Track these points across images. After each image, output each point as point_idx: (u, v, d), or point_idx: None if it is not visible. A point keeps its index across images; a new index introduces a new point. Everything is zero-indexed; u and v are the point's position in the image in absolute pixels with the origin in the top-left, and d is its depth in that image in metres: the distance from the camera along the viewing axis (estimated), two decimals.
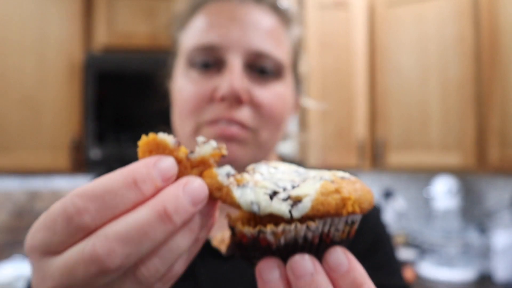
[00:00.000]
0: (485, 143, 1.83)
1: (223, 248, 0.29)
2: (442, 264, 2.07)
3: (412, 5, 1.98)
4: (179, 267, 0.25)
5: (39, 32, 1.75)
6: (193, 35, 0.57)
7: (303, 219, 0.25)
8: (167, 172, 0.24)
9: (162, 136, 0.24)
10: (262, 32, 0.55)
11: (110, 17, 1.80)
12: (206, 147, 0.26)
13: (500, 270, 1.92)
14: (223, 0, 0.57)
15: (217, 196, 0.25)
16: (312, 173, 0.27)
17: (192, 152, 0.25)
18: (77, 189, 0.24)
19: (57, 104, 1.75)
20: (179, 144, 0.25)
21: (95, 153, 1.68)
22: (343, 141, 2.02)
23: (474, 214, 2.31)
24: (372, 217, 0.61)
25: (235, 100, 0.52)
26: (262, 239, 0.25)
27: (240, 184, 0.25)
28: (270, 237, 0.25)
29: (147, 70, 1.71)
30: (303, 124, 1.98)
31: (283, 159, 0.70)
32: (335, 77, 2.02)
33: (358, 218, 0.27)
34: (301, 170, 0.28)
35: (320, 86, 1.99)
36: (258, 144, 0.55)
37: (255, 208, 0.25)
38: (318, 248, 0.25)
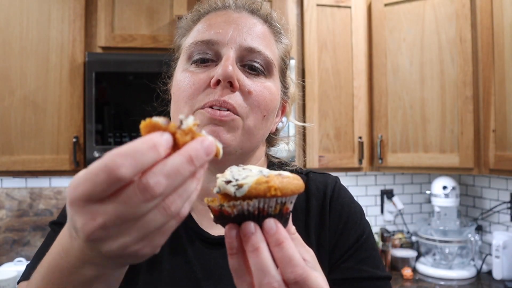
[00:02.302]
0: (483, 143, 1.84)
1: (212, 216, 0.41)
2: (441, 263, 2.08)
3: (410, 5, 1.99)
4: (186, 209, 0.35)
5: (40, 34, 1.76)
6: (193, 35, 0.64)
7: (245, 198, 0.38)
8: (169, 141, 0.34)
9: (156, 119, 0.35)
10: (254, 34, 0.62)
11: (111, 18, 1.81)
12: (189, 120, 0.36)
13: (498, 269, 1.94)
14: (222, 9, 0.65)
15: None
16: (267, 172, 0.41)
17: (180, 125, 0.35)
18: (112, 150, 0.32)
19: (59, 105, 1.76)
20: (168, 122, 0.35)
21: (96, 153, 1.69)
22: (342, 142, 2.03)
23: (472, 213, 2.33)
24: (356, 217, 0.67)
25: (228, 84, 0.58)
26: (224, 210, 0.39)
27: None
28: (228, 209, 0.39)
29: (148, 70, 1.72)
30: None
31: (271, 160, 0.75)
32: (334, 77, 2.03)
33: (287, 200, 0.40)
34: (264, 170, 0.41)
35: (320, 86, 2.01)
36: (245, 131, 0.60)
37: (217, 190, 0.39)
38: (258, 218, 0.39)
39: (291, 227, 0.42)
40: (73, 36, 1.78)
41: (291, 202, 0.41)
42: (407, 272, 2.03)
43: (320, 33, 2.01)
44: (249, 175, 0.39)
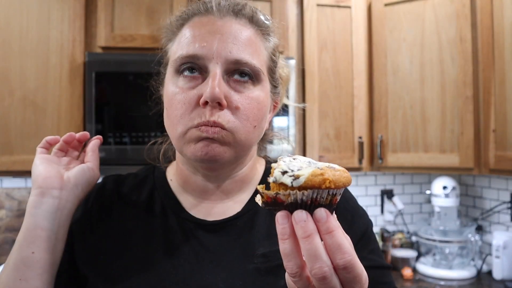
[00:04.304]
0: (483, 143, 1.84)
1: (260, 203, 0.44)
2: (441, 263, 2.08)
3: (410, 5, 1.99)
4: None
5: (40, 34, 1.76)
6: (180, 46, 0.64)
7: (300, 188, 0.41)
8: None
9: None
10: (240, 42, 0.63)
11: (111, 18, 1.81)
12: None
13: (498, 269, 1.94)
14: (206, 14, 0.65)
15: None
16: (315, 164, 0.44)
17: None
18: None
19: (59, 105, 1.76)
20: None
21: None
22: (342, 142, 2.03)
23: (472, 213, 2.33)
24: (360, 210, 0.74)
25: (217, 104, 0.60)
26: (278, 198, 0.42)
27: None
28: (282, 197, 0.42)
29: (148, 71, 1.72)
30: (302, 124, 1.99)
31: (268, 160, 0.80)
32: (334, 77, 2.03)
33: (337, 192, 0.43)
34: (312, 161, 0.45)
35: (320, 86, 2.01)
36: (236, 144, 0.63)
37: (273, 179, 0.42)
38: (310, 207, 0.42)
39: (334, 216, 0.45)
40: (73, 36, 1.78)
41: (339, 194, 0.44)
42: (407, 272, 2.03)
43: (320, 33, 2.01)
44: (302, 166, 0.43)
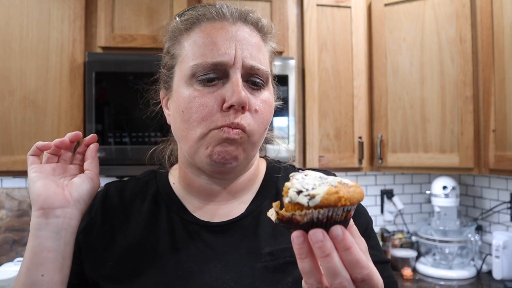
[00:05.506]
0: (483, 143, 1.84)
1: (273, 218, 0.45)
2: (441, 263, 2.08)
3: (410, 5, 1.99)
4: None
5: (40, 34, 1.76)
6: (196, 52, 0.64)
7: (316, 207, 0.41)
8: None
9: None
10: (252, 48, 0.66)
11: (111, 18, 1.81)
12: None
13: (498, 269, 1.94)
14: (219, 20, 0.66)
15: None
16: (326, 179, 0.44)
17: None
18: None
19: (59, 105, 1.76)
20: None
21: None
22: (342, 142, 2.03)
23: (472, 213, 2.33)
24: (360, 207, 0.77)
25: (240, 108, 0.63)
26: (294, 218, 0.42)
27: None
28: (298, 217, 0.42)
29: (148, 71, 1.72)
30: (302, 124, 1.99)
31: (267, 159, 0.82)
32: (334, 77, 2.03)
33: (352, 208, 0.43)
34: (323, 176, 0.45)
35: (320, 86, 2.01)
36: (250, 144, 0.66)
37: (289, 200, 0.42)
38: (326, 225, 0.42)
39: (350, 220, 0.46)
40: (73, 36, 1.78)
41: (353, 209, 0.44)
42: (407, 272, 2.03)
43: (320, 33, 2.01)
44: (315, 184, 0.43)
